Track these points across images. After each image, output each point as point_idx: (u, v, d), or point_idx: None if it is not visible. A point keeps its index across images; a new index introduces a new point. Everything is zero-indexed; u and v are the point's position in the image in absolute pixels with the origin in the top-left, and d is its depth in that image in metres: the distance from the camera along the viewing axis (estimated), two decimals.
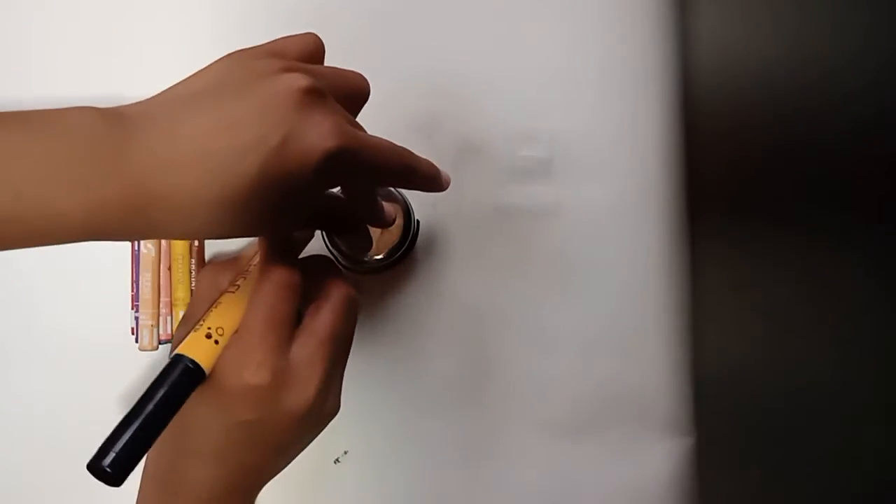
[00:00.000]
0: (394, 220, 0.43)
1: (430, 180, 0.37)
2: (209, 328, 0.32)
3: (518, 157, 0.48)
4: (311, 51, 0.35)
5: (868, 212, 0.31)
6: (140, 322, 0.45)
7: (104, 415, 0.47)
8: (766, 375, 0.44)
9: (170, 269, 0.46)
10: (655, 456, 0.47)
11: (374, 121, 0.48)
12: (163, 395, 0.29)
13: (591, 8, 0.48)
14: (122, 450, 0.28)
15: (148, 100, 0.30)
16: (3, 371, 0.47)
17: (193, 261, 0.46)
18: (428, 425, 0.47)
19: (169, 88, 0.31)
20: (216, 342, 0.31)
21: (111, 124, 0.28)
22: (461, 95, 0.48)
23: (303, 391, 0.32)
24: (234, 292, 0.33)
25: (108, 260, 0.47)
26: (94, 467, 0.27)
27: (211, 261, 0.36)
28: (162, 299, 0.46)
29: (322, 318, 0.33)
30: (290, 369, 0.32)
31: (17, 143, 0.27)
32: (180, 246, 0.46)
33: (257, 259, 0.35)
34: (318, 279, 0.34)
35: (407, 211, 0.45)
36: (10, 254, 0.49)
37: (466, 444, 0.47)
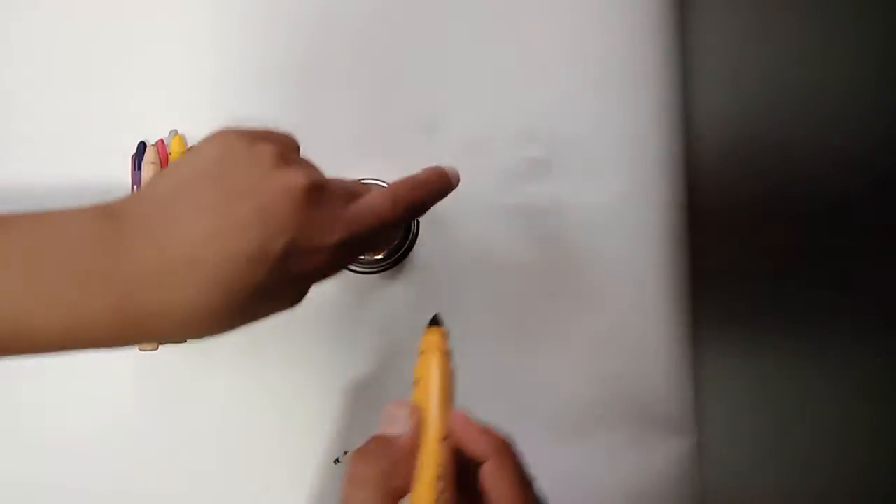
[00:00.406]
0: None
1: (443, 193, 0.35)
2: None
3: (518, 157, 0.48)
4: (293, 149, 0.32)
5: None
6: None
7: (104, 414, 0.47)
8: (767, 373, 0.44)
9: None
10: (656, 456, 0.47)
11: (374, 122, 0.48)
12: None
13: (591, 8, 0.48)
14: None
15: (140, 195, 0.28)
16: (3, 371, 0.47)
17: None
18: None
19: (160, 177, 0.29)
20: None
21: (100, 231, 0.26)
22: (461, 95, 0.48)
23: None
24: None
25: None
26: None
27: (356, 452, 0.30)
28: None
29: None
30: None
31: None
32: None
33: (422, 445, 0.31)
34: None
35: None
36: None
37: None
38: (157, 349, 0.46)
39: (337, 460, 0.47)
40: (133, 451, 0.46)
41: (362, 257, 0.45)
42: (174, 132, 0.47)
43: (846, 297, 0.35)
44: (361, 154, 0.47)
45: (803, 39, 0.38)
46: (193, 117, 0.47)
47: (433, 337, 0.33)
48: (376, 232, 0.31)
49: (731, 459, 0.48)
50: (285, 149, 0.30)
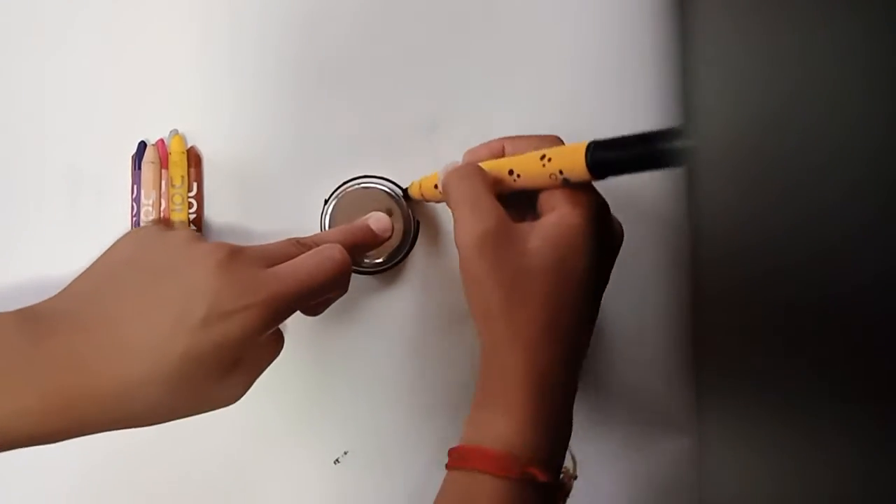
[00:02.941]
0: (390, 234, 0.44)
1: (371, 248, 0.40)
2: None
3: None
4: (199, 235, 0.35)
5: None
6: None
7: None
8: (767, 374, 0.44)
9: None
10: (656, 456, 0.47)
11: (374, 122, 0.48)
12: None
13: (591, 8, 0.48)
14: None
15: (59, 294, 0.30)
16: None
17: None
18: (428, 426, 0.47)
19: (77, 279, 0.30)
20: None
21: (19, 328, 0.27)
22: (461, 95, 0.48)
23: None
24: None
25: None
26: None
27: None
28: None
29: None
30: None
31: None
32: None
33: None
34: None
35: (407, 215, 0.45)
36: (10, 253, 0.49)
37: None
38: None
39: (337, 460, 0.47)
40: (132, 451, 0.46)
41: (365, 259, 0.45)
42: (174, 132, 0.47)
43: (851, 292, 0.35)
44: (361, 154, 0.47)
45: (804, 38, 0.38)
46: (193, 117, 0.47)
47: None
48: (307, 292, 0.32)
49: (731, 460, 0.48)
50: (194, 234, 0.31)
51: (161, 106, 0.47)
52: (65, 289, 0.30)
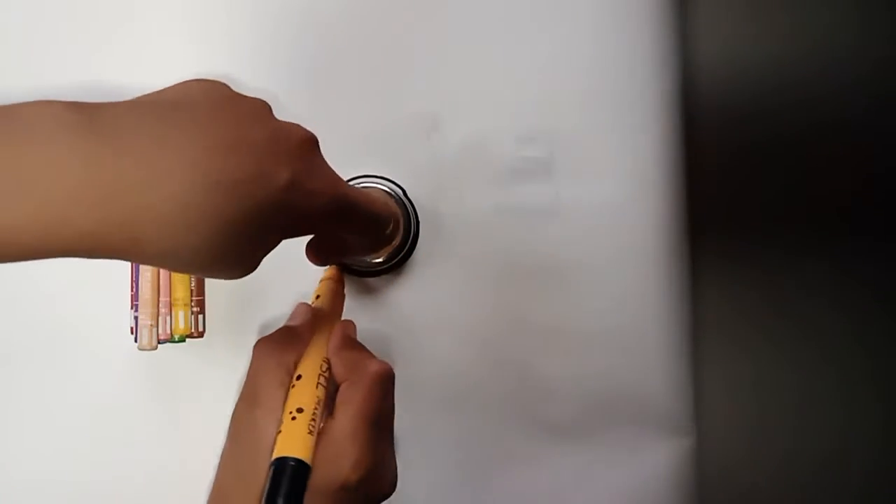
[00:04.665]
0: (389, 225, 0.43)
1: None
2: (299, 413, 0.31)
3: (518, 157, 0.48)
4: None
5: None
6: (139, 321, 0.45)
7: (103, 414, 0.47)
8: (767, 373, 0.44)
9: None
10: (655, 456, 0.47)
11: (374, 122, 0.48)
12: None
13: (590, 8, 0.48)
14: None
15: (131, 101, 0.26)
16: (3, 369, 0.47)
17: None
18: (428, 426, 0.47)
19: (151, 93, 0.27)
20: (310, 432, 0.30)
21: (83, 123, 0.23)
22: (461, 95, 0.48)
23: (368, 473, 0.31)
24: (299, 380, 0.33)
25: (108, 259, 0.47)
26: None
27: (263, 338, 0.34)
28: (161, 299, 0.46)
29: (357, 398, 0.32)
30: (333, 445, 0.31)
31: None
32: None
33: (315, 336, 0.35)
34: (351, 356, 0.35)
35: (407, 214, 0.45)
36: None
37: (466, 445, 0.47)
38: (156, 348, 0.46)
39: None
40: (131, 452, 0.46)
41: (366, 259, 0.45)
42: None
43: (846, 291, 0.35)
44: (362, 153, 0.47)
45: (803, 31, 0.38)
46: None
47: (330, 271, 0.41)
48: (361, 208, 0.32)
49: (731, 459, 0.48)
50: (268, 107, 0.30)
51: None
52: (130, 99, 0.26)
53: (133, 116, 0.25)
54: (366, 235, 0.37)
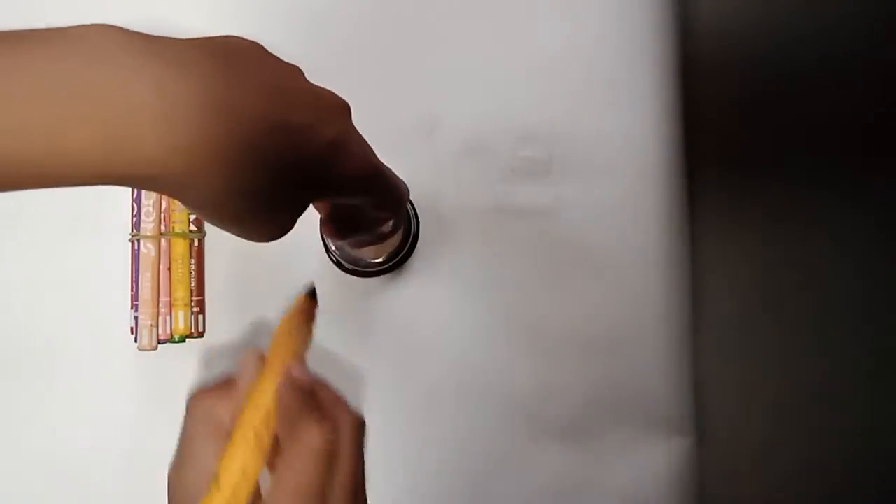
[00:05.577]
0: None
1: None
2: (226, 483, 0.27)
3: (518, 157, 0.48)
4: None
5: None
6: (139, 322, 0.45)
7: (103, 414, 0.47)
8: (767, 374, 0.44)
9: (169, 269, 0.46)
10: (655, 456, 0.47)
11: (374, 122, 0.48)
12: None
13: (591, 8, 0.48)
14: None
15: (186, 39, 0.25)
16: (3, 369, 0.47)
17: (193, 261, 0.46)
18: (428, 427, 0.47)
19: (198, 37, 0.26)
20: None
21: (145, 47, 0.23)
22: (461, 96, 0.48)
23: None
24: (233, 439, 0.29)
25: (108, 260, 0.47)
26: None
27: (199, 389, 0.31)
28: (161, 299, 0.46)
29: (287, 477, 0.28)
30: None
31: (22, 66, 0.22)
32: (180, 246, 0.46)
33: (253, 388, 0.30)
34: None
35: (407, 215, 0.45)
36: (10, 253, 0.49)
37: (466, 446, 0.47)
38: (156, 349, 0.46)
39: None
40: (131, 452, 0.46)
41: (366, 258, 0.45)
42: None
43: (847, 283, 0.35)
44: None
45: (799, 14, 0.38)
46: None
47: (300, 303, 0.33)
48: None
49: (731, 460, 0.48)
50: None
51: None
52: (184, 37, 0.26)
53: (194, 50, 0.24)
54: (384, 210, 0.35)
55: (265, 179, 0.25)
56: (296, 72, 0.29)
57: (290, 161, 0.25)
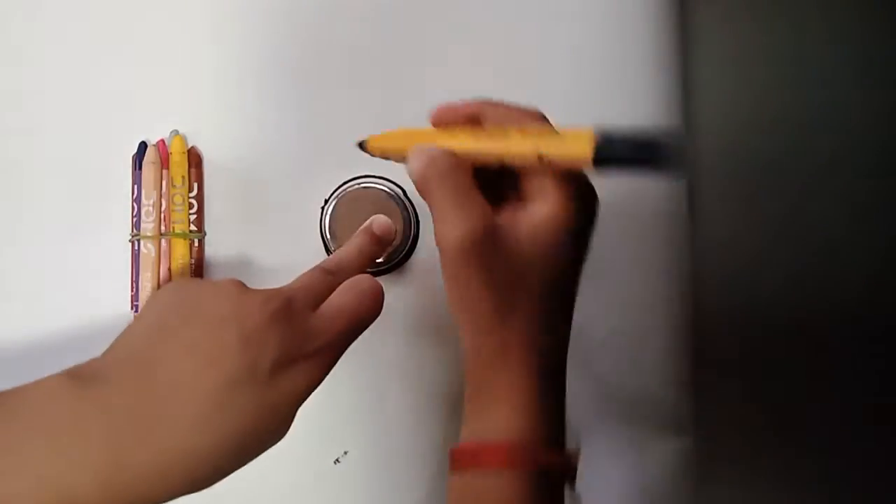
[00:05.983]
0: (395, 234, 0.43)
1: (383, 252, 0.38)
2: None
3: None
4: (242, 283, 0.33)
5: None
6: None
7: None
8: (767, 374, 0.44)
9: (170, 269, 0.46)
10: (655, 456, 0.47)
11: (374, 122, 0.48)
12: None
13: (591, 9, 0.48)
14: None
15: (109, 354, 0.28)
16: (3, 370, 0.47)
17: (193, 262, 0.46)
18: (428, 426, 0.47)
19: (124, 334, 0.29)
20: None
21: (74, 398, 0.25)
22: (461, 95, 0.48)
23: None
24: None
25: (108, 260, 0.47)
26: None
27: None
28: None
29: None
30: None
31: None
32: (180, 247, 0.46)
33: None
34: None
35: (407, 215, 0.45)
36: (10, 253, 0.49)
37: None
38: None
39: (337, 460, 0.47)
40: None
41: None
42: (175, 132, 0.47)
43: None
44: (361, 154, 0.47)
45: (804, 45, 0.38)
46: (194, 117, 0.47)
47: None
48: (357, 329, 0.32)
49: (731, 459, 0.48)
50: (239, 283, 0.30)
51: (162, 106, 0.47)
52: (112, 346, 0.28)
53: (121, 368, 0.26)
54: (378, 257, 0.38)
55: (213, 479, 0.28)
56: (221, 317, 0.28)
57: (242, 456, 0.28)
